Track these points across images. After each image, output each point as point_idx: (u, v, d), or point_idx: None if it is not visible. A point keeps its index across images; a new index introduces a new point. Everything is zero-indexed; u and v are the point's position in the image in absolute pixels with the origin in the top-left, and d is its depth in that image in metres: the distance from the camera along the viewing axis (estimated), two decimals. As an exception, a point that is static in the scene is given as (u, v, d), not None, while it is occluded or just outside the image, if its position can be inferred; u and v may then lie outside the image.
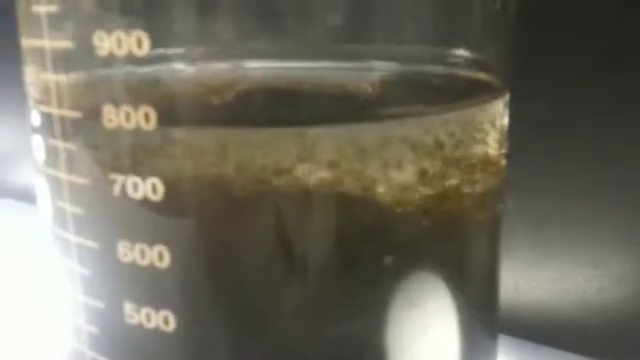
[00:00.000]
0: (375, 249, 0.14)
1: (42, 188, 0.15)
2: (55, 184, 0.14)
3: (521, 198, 0.25)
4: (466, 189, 0.15)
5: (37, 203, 0.16)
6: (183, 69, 0.13)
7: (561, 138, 0.25)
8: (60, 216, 0.14)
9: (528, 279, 0.27)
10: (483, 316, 0.17)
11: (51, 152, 0.14)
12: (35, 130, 0.15)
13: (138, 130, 0.12)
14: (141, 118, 0.12)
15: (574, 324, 0.26)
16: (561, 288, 0.26)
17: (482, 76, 0.17)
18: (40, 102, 0.14)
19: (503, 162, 0.17)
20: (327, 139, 0.13)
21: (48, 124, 0.14)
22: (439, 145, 0.14)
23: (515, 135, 0.17)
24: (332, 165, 0.13)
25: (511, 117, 0.17)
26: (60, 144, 0.14)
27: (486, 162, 0.16)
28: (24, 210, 0.43)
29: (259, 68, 0.15)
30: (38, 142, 0.15)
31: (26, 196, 0.44)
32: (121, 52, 0.12)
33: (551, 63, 0.24)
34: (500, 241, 0.17)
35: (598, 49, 0.24)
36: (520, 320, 0.27)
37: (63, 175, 0.14)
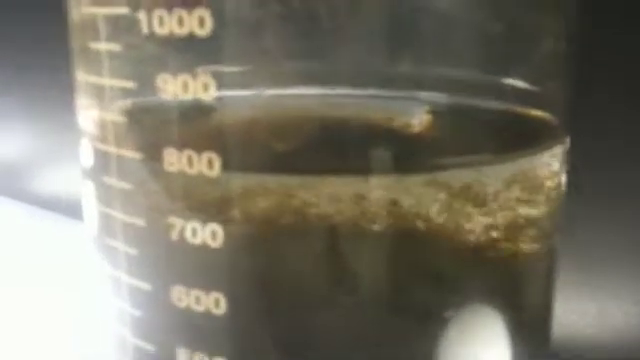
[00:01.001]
0: (428, 289, 0.14)
1: (91, 220, 0.15)
2: (107, 221, 0.14)
3: (567, 236, 0.24)
4: (521, 235, 0.15)
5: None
6: (241, 102, 0.13)
7: (607, 172, 0.24)
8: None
9: (569, 312, 0.26)
10: (535, 349, 0.17)
11: (105, 189, 0.14)
12: (88, 166, 0.14)
13: (200, 176, 0.12)
14: (204, 164, 0.12)
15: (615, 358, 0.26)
16: (602, 322, 0.26)
17: (541, 114, 0.16)
18: (96, 139, 0.14)
19: (560, 203, 0.16)
20: (381, 188, 0.13)
21: (103, 162, 0.14)
22: (495, 195, 0.14)
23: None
24: (387, 211, 0.13)
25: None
26: (115, 182, 0.13)
27: (544, 208, 0.15)
28: (45, 216, 0.43)
29: (312, 97, 0.14)
30: (90, 178, 0.14)
31: (43, 203, 0.44)
32: (187, 95, 0.12)
33: (605, 100, 0.24)
34: (554, 280, 0.17)
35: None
36: (561, 354, 0.26)
37: (117, 214, 0.14)
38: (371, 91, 0.17)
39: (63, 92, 0.16)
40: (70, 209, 0.41)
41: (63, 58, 0.15)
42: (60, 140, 0.40)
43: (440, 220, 0.13)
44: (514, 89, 0.16)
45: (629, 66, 0.23)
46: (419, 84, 0.16)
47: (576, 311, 0.26)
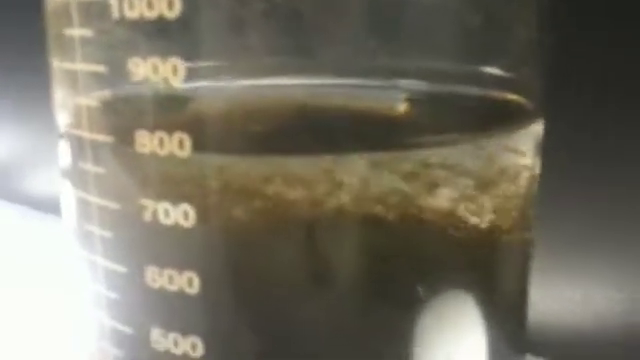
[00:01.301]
0: (404, 271, 0.14)
1: (68, 204, 0.15)
2: (84, 207, 0.14)
3: (544, 218, 0.25)
4: (497, 214, 0.15)
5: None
6: (217, 92, 0.13)
7: (589, 160, 0.25)
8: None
9: (551, 300, 0.26)
10: (511, 335, 0.17)
11: (81, 175, 0.14)
12: (64, 153, 0.15)
13: (172, 156, 0.12)
14: (175, 144, 0.12)
15: (597, 345, 0.26)
16: (584, 310, 0.26)
17: (516, 99, 0.17)
18: (70, 125, 0.14)
19: (535, 187, 0.17)
20: (359, 167, 0.13)
21: (78, 148, 0.14)
22: (472, 171, 0.14)
23: (542, 156, 0.17)
24: (363, 190, 0.13)
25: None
26: (90, 167, 0.14)
27: (518, 187, 0.16)
28: (36, 217, 0.43)
29: (291, 87, 0.15)
30: (67, 165, 0.15)
31: (34, 203, 0.44)
32: (157, 78, 0.12)
33: (583, 86, 0.24)
34: (529, 264, 0.17)
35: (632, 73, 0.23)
36: (542, 341, 0.27)
37: (93, 199, 0.14)
38: (349, 80, 0.17)
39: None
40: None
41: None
42: (51, 141, 0.41)
43: (415, 200, 0.13)
44: (490, 76, 0.16)
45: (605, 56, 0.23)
46: (398, 73, 0.16)
47: (559, 298, 0.26)
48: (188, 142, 0.12)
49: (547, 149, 0.17)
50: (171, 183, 0.13)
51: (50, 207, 0.43)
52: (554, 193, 0.24)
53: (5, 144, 0.47)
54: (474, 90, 0.17)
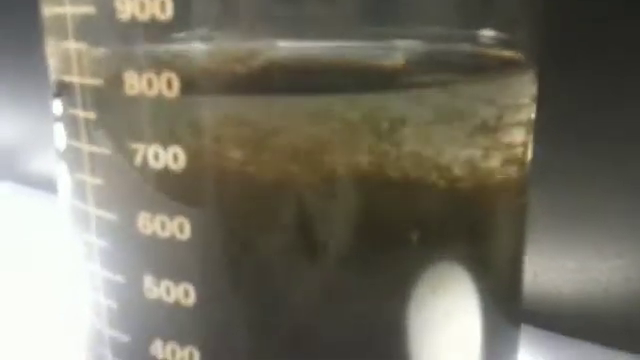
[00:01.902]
0: (396, 232, 0.14)
1: (62, 161, 0.15)
2: (76, 156, 0.14)
3: (543, 188, 0.24)
4: (491, 168, 0.15)
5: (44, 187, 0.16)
6: (207, 39, 0.13)
7: (587, 129, 0.24)
8: (80, 189, 0.14)
9: (550, 269, 0.26)
10: (506, 304, 0.17)
11: (72, 123, 0.14)
12: (55, 101, 0.15)
13: (160, 97, 0.12)
14: (163, 85, 0.12)
15: (597, 314, 0.26)
16: (585, 277, 0.26)
17: (508, 53, 0.16)
18: (60, 72, 0.14)
19: (529, 144, 0.16)
20: (351, 107, 0.13)
21: (69, 94, 0.14)
22: (465, 117, 0.14)
23: (540, 126, 0.17)
24: (357, 135, 0.13)
25: (539, 107, 0.17)
26: (81, 114, 0.13)
27: (512, 142, 0.15)
28: (38, 196, 0.44)
29: (283, 44, 0.14)
30: (58, 113, 0.15)
31: (35, 183, 0.45)
32: (144, 16, 0.12)
33: (584, 57, 0.24)
34: (524, 229, 0.17)
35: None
36: (541, 311, 0.26)
37: (84, 146, 0.14)
38: (344, 43, 0.17)
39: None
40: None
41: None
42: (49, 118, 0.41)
43: (408, 146, 0.13)
44: (484, 35, 0.16)
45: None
46: (392, 35, 0.16)
47: (559, 267, 0.26)
48: (176, 82, 0.12)
49: (544, 115, 0.17)
50: (160, 124, 0.12)
51: (49, 186, 0.43)
52: (552, 161, 0.24)
53: (5, 125, 0.47)
54: (468, 47, 0.17)
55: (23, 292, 0.30)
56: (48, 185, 0.43)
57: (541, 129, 0.17)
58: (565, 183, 0.25)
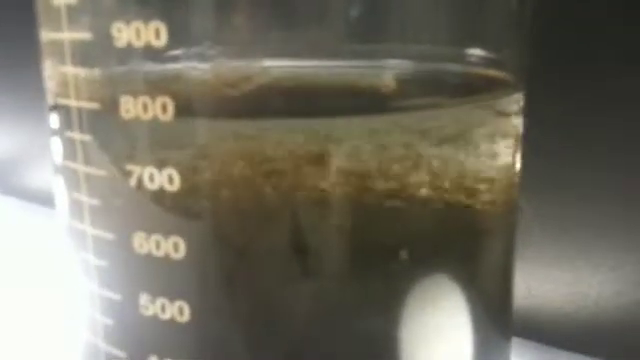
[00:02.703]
0: (389, 248, 0.14)
1: (59, 181, 0.15)
2: (72, 177, 0.14)
3: (535, 200, 0.25)
4: (481, 185, 0.15)
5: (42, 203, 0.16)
6: (201, 64, 0.13)
7: (577, 141, 0.25)
8: (77, 209, 0.15)
9: (542, 282, 0.27)
10: (497, 317, 0.17)
11: (69, 144, 0.14)
12: (53, 123, 0.15)
13: (155, 121, 0.12)
14: (158, 109, 0.12)
15: (588, 327, 0.26)
16: (576, 291, 0.26)
17: (496, 73, 0.17)
18: (58, 95, 0.14)
19: (518, 161, 0.17)
20: (342, 130, 0.13)
21: (66, 117, 0.14)
22: (453, 139, 0.14)
23: (532, 137, 0.17)
24: (347, 157, 0.13)
25: (530, 119, 0.17)
26: (78, 136, 0.14)
27: (500, 160, 0.16)
28: (35, 210, 0.44)
29: (276, 65, 0.15)
30: (55, 135, 0.15)
31: (32, 197, 0.45)
32: (139, 43, 0.12)
33: (574, 66, 0.24)
34: (514, 242, 0.17)
35: (621, 48, 0.23)
36: (534, 323, 0.27)
37: (80, 167, 0.14)
38: (335, 62, 0.17)
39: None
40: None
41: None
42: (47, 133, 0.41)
43: (397, 168, 0.14)
44: (472, 55, 0.16)
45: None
46: (383, 55, 0.16)
47: (551, 280, 0.26)
48: (171, 106, 0.12)
49: (537, 130, 0.17)
50: (156, 147, 0.13)
51: (47, 200, 0.43)
52: (544, 173, 0.25)
53: (3, 139, 0.47)
54: (457, 67, 0.17)
55: (19, 307, 0.30)
56: (44, 199, 0.44)
57: (533, 142, 0.17)
58: (558, 197, 0.25)
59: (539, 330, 0.27)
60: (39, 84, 0.16)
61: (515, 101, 0.16)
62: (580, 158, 0.25)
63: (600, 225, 0.25)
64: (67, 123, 0.14)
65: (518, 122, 0.16)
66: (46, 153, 0.16)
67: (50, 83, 0.15)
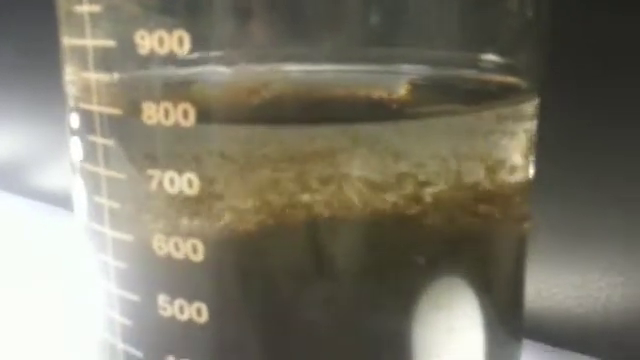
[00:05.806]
0: (403, 254, 0.14)
1: (78, 183, 0.16)
2: (92, 179, 0.15)
3: (544, 203, 0.25)
4: (494, 191, 0.15)
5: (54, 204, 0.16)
6: (222, 70, 0.14)
7: (587, 146, 0.25)
8: (96, 211, 0.15)
9: (551, 285, 0.27)
10: (508, 320, 0.17)
11: (90, 148, 0.15)
12: (73, 128, 0.15)
13: (177, 126, 0.13)
14: (180, 115, 0.13)
15: (597, 330, 0.26)
16: (585, 294, 0.26)
17: (511, 80, 0.17)
18: (80, 100, 0.14)
19: (531, 166, 0.17)
20: (362, 136, 0.13)
21: (88, 121, 0.14)
22: (466, 146, 0.14)
23: (541, 142, 0.17)
24: (365, 167, 0.13)
25: (540, 124, 0.17)
26: (99, 140, 0.14)
27: (513, 165, 0.16)
28: (47, 210, 0.44)
29: (294, 70, 0.15)
30: (76, 139, 0.15)
31: (44, 197, 0.45)
32: (162, 51, 0.12)
33: (586, 74, 0.24)
34: (526, 247, 0.18)
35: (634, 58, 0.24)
36: (542, 326, 0.27)
37: (101, 171, 0.14)
38: (351, 67, 0.17)
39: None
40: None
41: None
42: (61, 134, 0.41)
43: (414, 176, 0.14)
44: (487, 60, 0.17)
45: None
46: (399, 60, 0.17)
47: (559, 283, 0.26)
48: (192, 112, 0.13)
49: (545, 134, 0.17)
50: (176, 152, 0.13)
51: (61, 201, 0.43)
52: (553, 177, 0.25)
53: (15, 139, 0.47)
54: (472, 73, 0.17)
55: (34, 307, 0.31)
56: (56, 199, 0.44)
57: (543, 147, 0.18)
58: (567, 201, 0.26)
59: (548, 332, 0.27)
60: (52, 85, 0.16)
61: (531, 107, 0.16)
62: (589, 163, 0.25)
63: (609, 229, 0.25)
64: (89, 127, 0.14)
65: (533, 128, 0.17)
66: (58, 154, 0.16)
67: (71, 88, 0.15)
